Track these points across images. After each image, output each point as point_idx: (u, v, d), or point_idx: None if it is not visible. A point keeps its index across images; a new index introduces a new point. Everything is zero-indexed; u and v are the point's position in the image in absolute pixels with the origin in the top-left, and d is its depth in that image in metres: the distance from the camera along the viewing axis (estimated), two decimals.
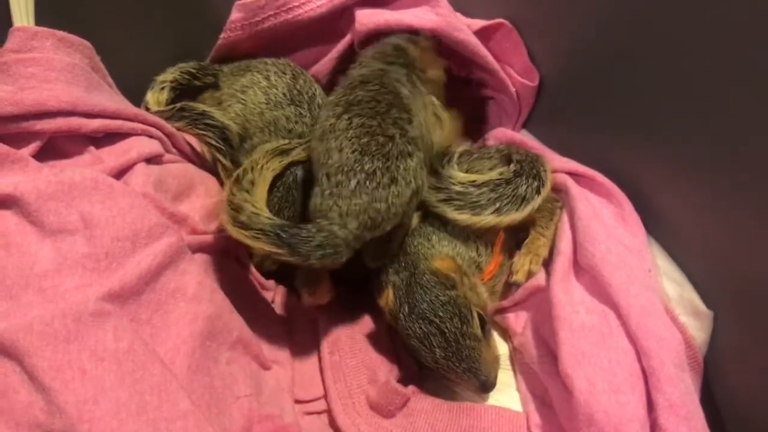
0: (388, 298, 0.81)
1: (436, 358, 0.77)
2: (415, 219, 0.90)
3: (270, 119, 1.00)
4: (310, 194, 0.82)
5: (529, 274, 0.86)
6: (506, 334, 0.91)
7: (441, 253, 0.84)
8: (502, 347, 0.90)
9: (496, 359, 0.80)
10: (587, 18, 0.89)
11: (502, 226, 0.85)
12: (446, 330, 0.76)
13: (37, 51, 0.79)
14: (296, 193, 0.91)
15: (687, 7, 0.72)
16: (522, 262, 0.87)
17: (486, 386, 0.77)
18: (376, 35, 1.01)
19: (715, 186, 0.74)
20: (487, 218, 0.83)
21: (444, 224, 0.87)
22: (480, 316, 0.78)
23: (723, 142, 0.72)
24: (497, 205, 0.84)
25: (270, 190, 0.87)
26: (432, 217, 0.88)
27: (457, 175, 0.88)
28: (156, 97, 1.03)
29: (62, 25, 0.83)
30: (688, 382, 0.69)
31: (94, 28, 0.87)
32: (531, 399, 0.82)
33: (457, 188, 0.86)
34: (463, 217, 0.84)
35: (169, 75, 1.05)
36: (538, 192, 0.86)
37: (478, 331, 0.77)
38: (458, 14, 1.04)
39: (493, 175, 0.87)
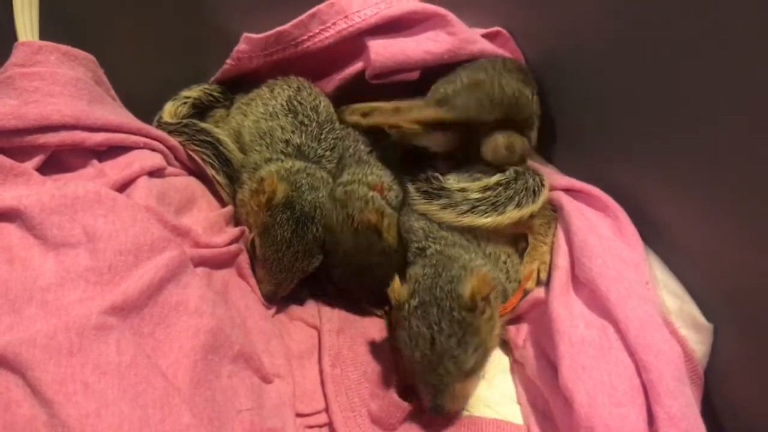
0: (398, 288, 0.79)
1: (412, 357, 0.76)
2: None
3: (266, 129, 1.00)
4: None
5: (539, 281, 0.88)
6: (507, 347, 0.91)
7: (477, 266, 0.83)
8: (503, 359, 0.90)
9: (464, 397, 0.78)
10: (580, 30, 0.91)
11: (524, 219, 0.88)
12: (437, 342, 0.74)
13: (42, 65, 0.80)
14: (306, 228, 0.92)
15: (684, 16, 0.73)
16: (530, 268, 0.88)
17: (435, 410, 0.76)
18: (392, 67, 1.01)
19: (714, 199, 0.75)
20: (511, 214, 0.87)
21: (478, 240, 0.89)
22: (477, 353, 0.76)
23: (722, 155, 0.72)
24: (516, 199, 0.88)
25: (281, 226, 0.90)
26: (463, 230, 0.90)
27: (470, 185, 0.90)
28: (175, 108, 1.04)
29: (65, 40, 0.83)
30: (689, 394, 0.69)
31: (95, 42, 0.88)
32: (532, 412, 0.82)
33: (476, 195, 0.89)
34: (490, 220, 0.87)
35: (195, 92, 1.07)
36: (542, 184, 0.91)
37: (468, 364, 0.75)
38: None
39: (500, 176, 0.91)
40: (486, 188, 0.89)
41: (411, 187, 0.94)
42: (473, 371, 0.77)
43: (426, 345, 0.74)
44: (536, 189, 0.89)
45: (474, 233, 0.89)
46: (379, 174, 1.00)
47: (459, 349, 0.74)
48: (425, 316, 0.75)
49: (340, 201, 0.94)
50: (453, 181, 0.93)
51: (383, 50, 0.99)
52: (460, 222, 0.88)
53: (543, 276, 0.87)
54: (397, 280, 0.81)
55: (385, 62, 0.99)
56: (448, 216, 0.88)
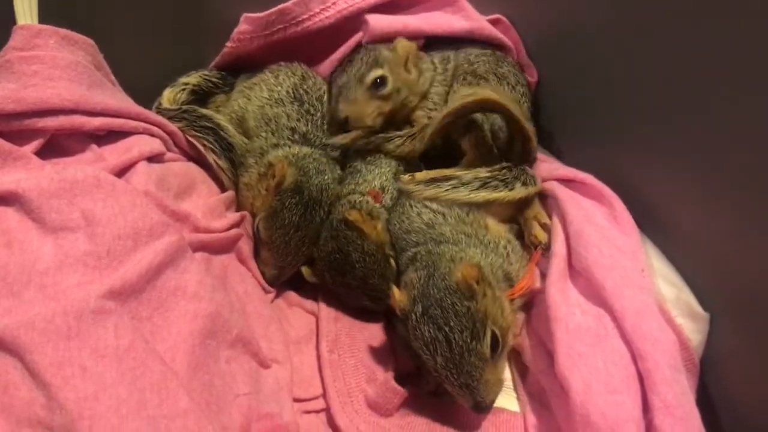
0: (399, 296, 0.79)
1: (436, 365, 0.74)
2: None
3: (271, 116, 1.00)
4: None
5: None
6: None
7: (468, 257, 0.82)
8: None
9: (498, 382, 0.76)
10: (580, 18, 0.91)
11: (530, 198, 0.93)
12: (453, 341, 0.73)
13: (41, 49, 0.79)
14: (314, 212, 0.92)
15: (683, 6, 0.73)
16: (532, 225, 0.92)
17: (479, 407, 0.75)
18: (390, 34, 1.00)
19: (712, 188, 0.74)
20: (520, 190, 0.91)
21: (476, 231, 0.89)
22: (494, 336, 0.75)
23: (720, 144, 0.72)
24: (521, 179, 0.92)
25: (290, 210, 0.91)
26: (467, 223, 0.90)
27: (480, 168, 0.94)
28: (174, 95, 1.04)
29: (65, 25, 0.83)
30: (684, 383, 0.69)
31: (94, 27, 0.87)
32: (528, 400, 0.83)
33: (485, 174, 0.92)
34: (503, 194, 0.90)
35: (193, 78, 1.06)
36: (534, 175, 0.95)
37: (487, 351, 0.74)
38: None
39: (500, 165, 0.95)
40: (493, 170, 0.93)
41: (409, 180, 0.93)
42: (498, 355, 0.76)
43: (444, 348, 0.73)
44: (533, 175, 0.94)
45: (473, 224, 0.89)
46: (371, 179, 0.99)
47: (475, 340, 0.73)
48: (433, 320, 0.74)
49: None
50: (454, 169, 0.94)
51: (382, 23, 0.99)
52: (474, 198, 0.90)
53: (544, 220, 0.91)
54: (395, 289, 0.80)
55: (383, 28, 0.99)
56: (461, 194, 0.90)
